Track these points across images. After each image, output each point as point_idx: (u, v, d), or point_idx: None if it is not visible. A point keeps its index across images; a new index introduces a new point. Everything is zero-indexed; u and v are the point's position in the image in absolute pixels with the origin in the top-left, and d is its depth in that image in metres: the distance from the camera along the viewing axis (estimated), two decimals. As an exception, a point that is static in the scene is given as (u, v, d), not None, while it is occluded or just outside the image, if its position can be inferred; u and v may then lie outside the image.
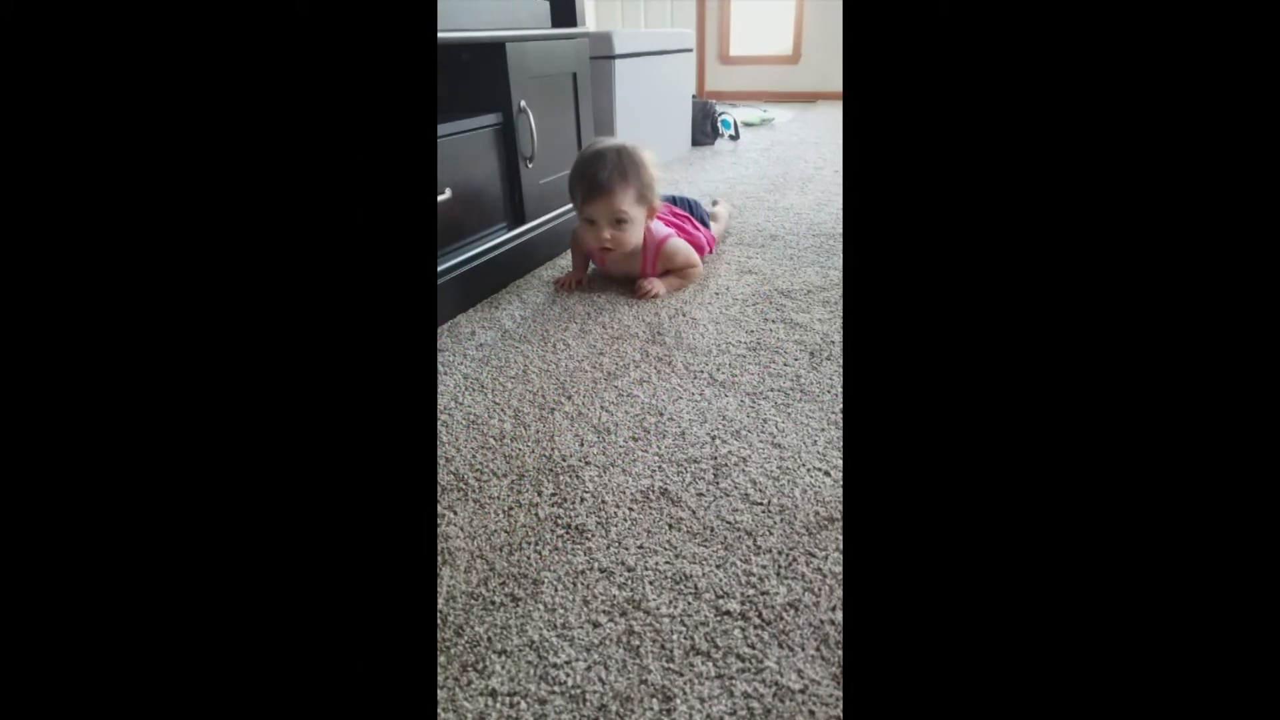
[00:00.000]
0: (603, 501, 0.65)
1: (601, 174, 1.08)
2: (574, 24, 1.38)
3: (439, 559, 0.58)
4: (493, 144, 1.19)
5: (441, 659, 0.49)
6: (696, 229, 1.31)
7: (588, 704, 0.45)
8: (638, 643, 0.49)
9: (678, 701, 0.45)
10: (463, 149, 1.11)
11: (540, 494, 0.66)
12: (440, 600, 0.54)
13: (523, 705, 0.45)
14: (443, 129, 1.05)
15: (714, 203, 1.58)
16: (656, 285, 1.16)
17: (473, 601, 0.54)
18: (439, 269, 1.08)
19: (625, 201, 1.09)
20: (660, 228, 1.19)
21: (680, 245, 1.19)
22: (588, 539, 0.60)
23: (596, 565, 0.57)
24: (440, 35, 1.03)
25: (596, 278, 1.26)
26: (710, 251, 1.33)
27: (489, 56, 1.17)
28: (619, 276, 1.22)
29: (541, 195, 1.33)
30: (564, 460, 0.72)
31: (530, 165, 1.26)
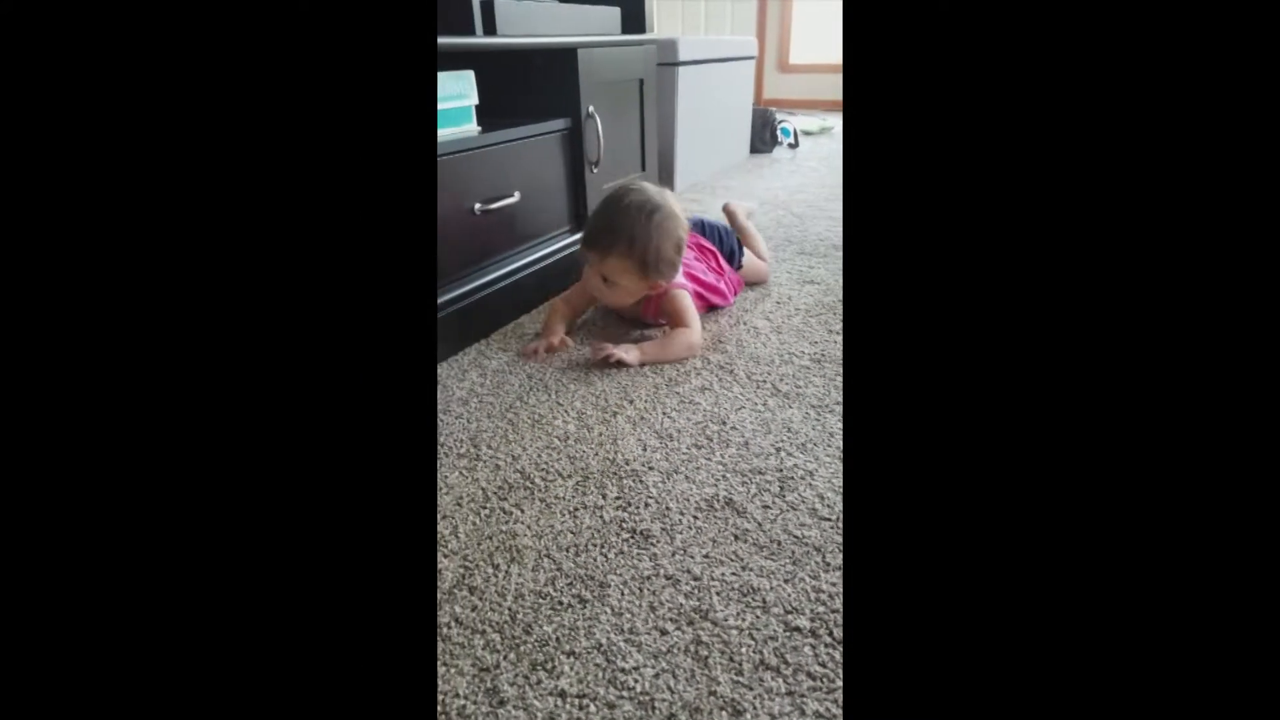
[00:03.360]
0: (667, 508, 0.65)
1: (606, 230, 0.96)
2: (643, 30, 1.40)
3: (507, 555, 0.59)
4: (560, 149, 1.20)
5: (511, 656, 0.49)
6: (720, 272, 1.13)
7: (657, 712, 0.45)
8: (706, 653, 0.49)
9: (747, 716, 0.44)
10: (532, 153, 1.12)
11: (604, 497, 0.67)
12: (509, 597, 0.55)
13: (592, 708, 0.45)
14: (513, 133, 1.07)
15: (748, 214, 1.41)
16: (626, 351, 0.93)
17: (541, 600, 0.54)
18: (506, 270, 1.10)
19: (617, 271, 0.96)
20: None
21: (684, 305, 1.00)
22: (653, 545, 0.60)
23: (662, 572, 0.57)
24: (516, 41, 1.05)
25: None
26: (732, 299, 1.14)
27: (561, 62, 1.19)
28: (627, 315, 1.08)
29: (604, 200, 1.34)
30: (627, 464, 0.72)
31: (595, 170, 1.27)
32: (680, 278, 1.02)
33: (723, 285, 1.11)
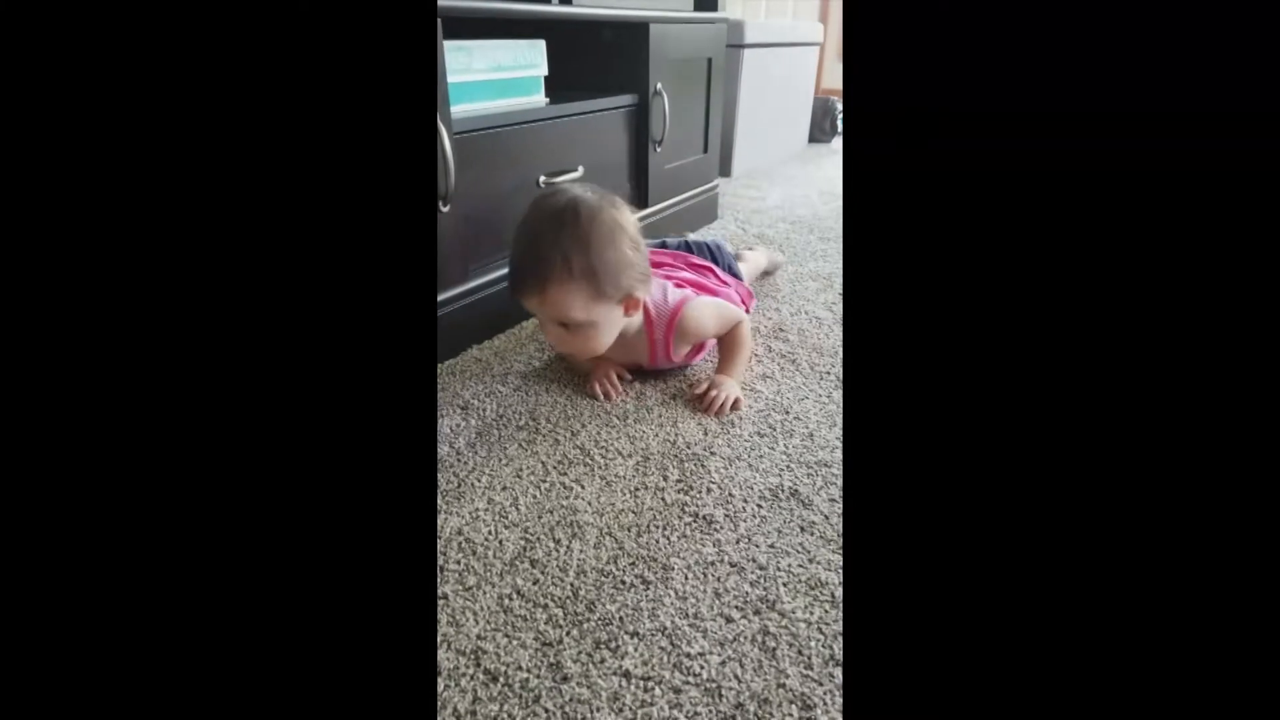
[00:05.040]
0: (730, 494, 0.63)
1: (532, 261, 0.69)
2: (715, 9, 1.36)
3: (568, 531, 0.58)
4: (625, 125, 1.18)
5: (575, 632, 0.48)
6: (724, 283, 0.93)
7: (724, 700, 0.44)
8: (773, 644, 0.47)
9: (818, 712, 0.43)
10: (597, 128, 1.11)
11: (665, 479, 0.65)
12: (571, 573, 0.54)
13: (657, 691, 0.44)
14: (580, 106, 1.05)
15: (749, 247, 1.24)
16: (729, 388, 0.77)
17: (603, 579, 0.53)
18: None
19: (569, 305, 0.69)
20: (672, 293, 0.81)
21: (702, 307, 0.81)
22: (716, 530, 0.59)
23: (726, 559, 0.55)
24: (591, 11, 1.03)
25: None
26: (748, 310, 0.96)
27: (632, 37, 1.16)
28: (627, 365, 0.85)
29: (666, 180, 1.32)
30: (688, 447, 0.70)
31: (659, 149, 1.25)
32: (673, 290, 0.82)
33: (734, 294, 0.91)
